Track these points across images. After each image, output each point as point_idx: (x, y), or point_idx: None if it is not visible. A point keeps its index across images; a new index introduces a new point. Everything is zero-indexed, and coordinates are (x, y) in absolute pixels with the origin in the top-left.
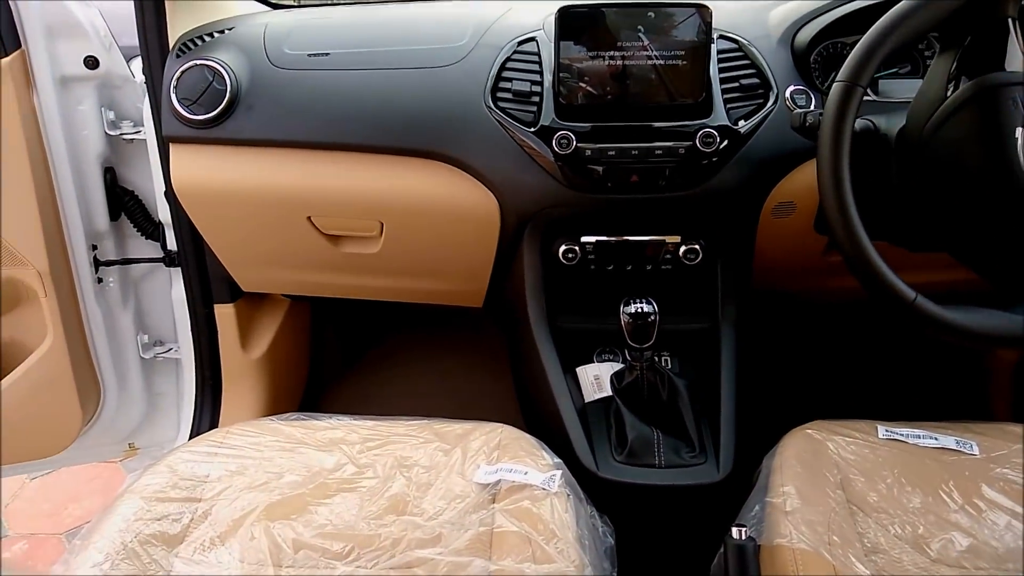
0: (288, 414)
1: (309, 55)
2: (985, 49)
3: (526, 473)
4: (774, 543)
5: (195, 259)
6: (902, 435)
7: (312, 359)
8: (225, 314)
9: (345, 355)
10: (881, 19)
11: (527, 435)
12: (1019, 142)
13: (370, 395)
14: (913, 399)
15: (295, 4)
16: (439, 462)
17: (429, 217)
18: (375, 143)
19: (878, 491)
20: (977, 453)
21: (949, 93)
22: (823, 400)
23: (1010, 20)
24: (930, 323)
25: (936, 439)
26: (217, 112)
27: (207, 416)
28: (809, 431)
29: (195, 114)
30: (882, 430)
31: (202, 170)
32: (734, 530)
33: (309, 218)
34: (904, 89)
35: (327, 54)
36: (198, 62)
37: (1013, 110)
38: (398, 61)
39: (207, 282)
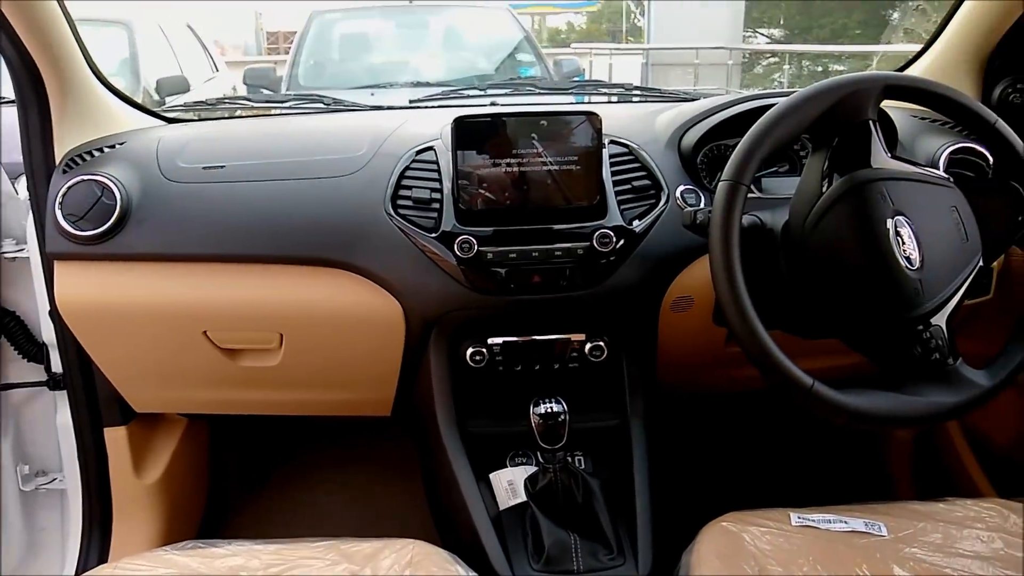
0: (184, 543)
1: (204, 168)
2: (852, 148)
3: None
4: None
5: (83, 381)
6: (814, 521)
7: (212, 481)
8: (116, 438)
9: (248, 475)
10: (757, 123)
11: (440, 550)
12: (890, 232)
13: (276, 516)
14: (822, 482)
15: (195, 118)
16: None
17: (331, 326)
18: (273, 253)
19: None
20: (886, 534)
21: (824, 189)
22: (737, 490)
23: (871, 122)
24: (827, 408)
25: (846, 523)
26: (106, 228)
27: (95, 550)
28: (725, 523)
29: (82, 230)
30: (795, 517)
31: (89, 287)
32: None
33: (205, 332)
34: (785, 186)
35: (223, 166)
36: (85, 177)
37: (882, 202)
38: (296, 171)
39: (96, 405)
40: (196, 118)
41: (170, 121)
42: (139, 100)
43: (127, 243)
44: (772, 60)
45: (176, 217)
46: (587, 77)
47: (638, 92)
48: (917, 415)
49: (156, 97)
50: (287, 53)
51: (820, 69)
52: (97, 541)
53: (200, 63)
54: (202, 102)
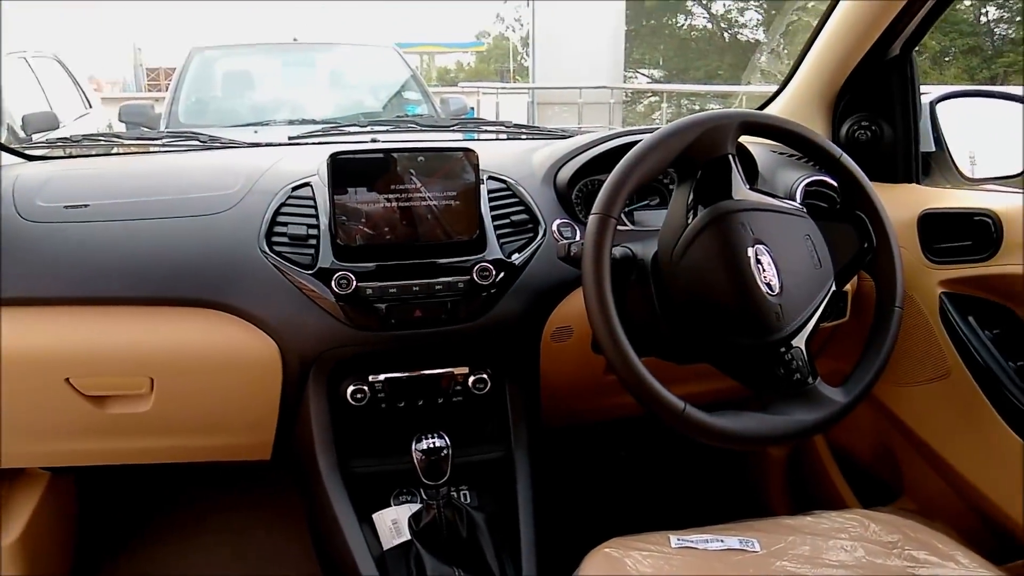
0: None
1: (66, 207)
2: (714, 181)
3: None
4: None
5: None
6: (692, 542)
7: (81, 537)
8: None
9: (122, 528)
10: (624, 158)
11: None
12: (751, 260)
13: (152, 568)
14: (702, 502)
15: (60, 156)
16: None
17: (204, 369)
18: (140, 295)
19: None
20: (759, 549)
21: (689, 221)
22: (621, 515)
23: (730, 156)
24: (698, 430)
25: (722, 541)
26: None
27: None
28: (607, 549)
29: None
30: (674, 539)
31: None
32: None
33: (68, 380)
34: (656, 219)
35: (86, 205)
36: None
37: (743, 232)
38: (165, 210)
39: None
40: (61, 155)
41: (31, 159)
42: (2, 137)
43: None
44: (653, 99)
45: (34, 259)
46: (476, 115)
47: (518, 129)
48: (780, 433)
49: (22, 134)
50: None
51: (698, 107)
52: None
53: (71, 99)
54: (67, 139)
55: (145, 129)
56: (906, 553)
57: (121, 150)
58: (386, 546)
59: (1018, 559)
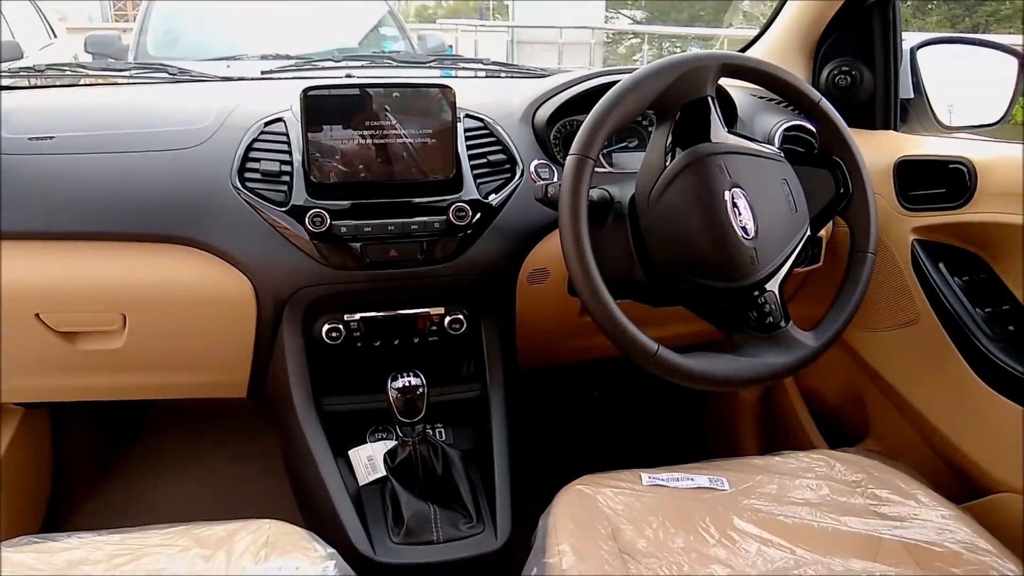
0: (18, 538)
1: (30, 139)
2: (693, 123)
3: (297, 568)
4: None
5: None
6: (663, 480)
7: (57, 472)
8: None
9: (98, 463)
10: (603, 99)
11: (298, 528)
12: (728, 203)
13: (127, 503)
14: (676, 442)
15: (27, 86)
16: (199, 571)
17: (176, 305)
18: (109, 230)
19: (646, 537)
20: (728, 488)
21: (667, 163)
22: (596, 454)
23: (709, 98)
24: (671, 371)
25: (692, 480)
26: None
27: None
28: (580, 487)
29: None
30: (645, 477)
31: None
32: None
33: (38, 315)
34: (635, 161)
35: (51, 137)
36: None
37: (720, 175)
38: (134, 144)
39: None
40: (25, 85)
41: None
42: None
43: None
44: (634, 40)
45: None
46: (454, 53)
47: (497, 67)
48: (751, 375)
49: None
50: None
51: (679, 49)
52: None
53: (35, 28)
54: (31, 68)
55: (112, 60)
56: (869, 492)
57: (87, 81)
58: (362, 482)
59: (977, 499)
